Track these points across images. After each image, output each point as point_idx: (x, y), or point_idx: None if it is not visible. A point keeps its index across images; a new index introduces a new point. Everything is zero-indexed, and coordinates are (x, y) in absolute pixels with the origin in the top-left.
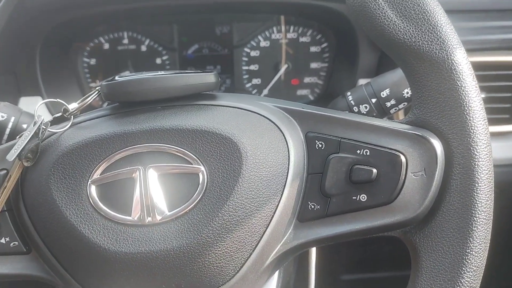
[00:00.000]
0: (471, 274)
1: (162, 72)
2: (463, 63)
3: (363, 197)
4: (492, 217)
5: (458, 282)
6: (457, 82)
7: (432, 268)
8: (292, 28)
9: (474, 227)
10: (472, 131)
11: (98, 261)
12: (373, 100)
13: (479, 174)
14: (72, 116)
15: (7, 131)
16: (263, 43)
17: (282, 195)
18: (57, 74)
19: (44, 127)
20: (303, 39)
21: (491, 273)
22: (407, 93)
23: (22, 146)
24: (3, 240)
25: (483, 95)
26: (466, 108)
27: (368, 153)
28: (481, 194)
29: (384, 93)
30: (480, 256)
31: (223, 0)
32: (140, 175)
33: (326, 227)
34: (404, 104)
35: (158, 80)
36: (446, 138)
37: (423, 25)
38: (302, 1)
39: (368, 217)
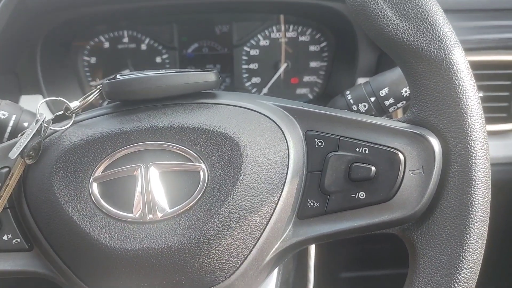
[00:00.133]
0: (467, 270)
1: (163, 71)
2: (461, 62)
3: (362, 195)
4: (489, 215)
5: (455, 278)
6: (455, 81)
7: (429, 264)
8: (291, 27)
9: (471, 224)
10: (469, 129)
11: (99, 258)
12: (372, 99)
13: (476, 172)
14: (73, 114)
15: (9, 129)
16: (263, 42)
17: (281, 192)
18: (58, 73)
19: (46, 125)
20: (302, 38)
21: (488, 270)
22: (406, 92)
23: (24, 144)
24: (5, 237)
25: (481, 94)
26: (463, 106)
27: (367, 151)
28: (478, 192)
29: (383, 92)
30: (477, 253)
31: (223, 0)
32: (141, 172)
33: (325, 224)
34: (402, 103)
35: (159, 78)
36: (444, 137)
37: (422, 25)
38: (301, 0)
39: (367, 214)
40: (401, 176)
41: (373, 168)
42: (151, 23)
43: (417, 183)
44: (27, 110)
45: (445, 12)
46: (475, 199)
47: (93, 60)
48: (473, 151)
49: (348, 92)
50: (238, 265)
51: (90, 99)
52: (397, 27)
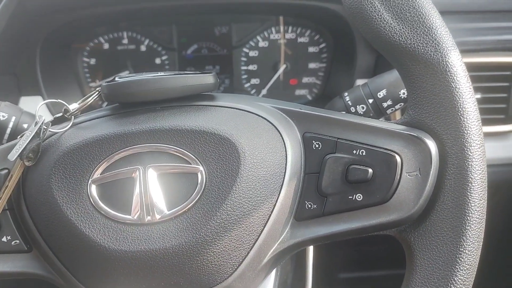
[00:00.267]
0: (464, 272)
1: (162, 73)
2: (458, 65)
3: (359, 197)
4: (485, 217)
5: (451, 280)
6: (452, 83)
7: (426, 266)
8: (290, 28)
9: (468, 226)
10: (466, 132)
11: (98, 260)
12: (370, 101)
13: (472, 174)
14: (72, 117)
15: (8, 130)
16: (262, 44)
17: (279, 194)
18: (57, 74)
19: (45, 127)
20: (301, 40)
21: (484, 270)
22: (404, 93)
23: (24, 146)
24: (4, 239)
25: (478, 96)
26: (460, 109)
27: (364, 153)
28: (475, 194)
29: (381, 94)
30: (473, 254)
31: (222, 1)
32: (139, 174)
33: (323, 226)
34: (400, 105)
35: (158, 81)
36: (441, 139)
37: (418, 28)
38: (300, 2)
39: (364, 216)
40: (398, 178)
41: (370, 170)
42: (151, 24)
43: (413, 185)
44: (27, 112)
45: (443, 13)
46: (471, 201)
47: (92, 61)
48: (469, 153)
49: (346, 94)
50: (235, 267)
51: (89, 101)
52: (394, 30)
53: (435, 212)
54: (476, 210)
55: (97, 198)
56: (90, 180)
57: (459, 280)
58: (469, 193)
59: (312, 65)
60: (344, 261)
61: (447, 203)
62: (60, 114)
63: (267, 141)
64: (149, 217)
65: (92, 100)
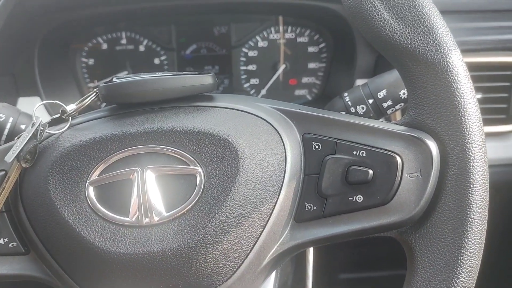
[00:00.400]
0: (466, 274)
1: (160, 74)
2: (459, 65)
3: (359, 198)
4: (487, 218)
5: (453, 282)
6: (453, 84)
7: (427, 268)
8: (290, 28)
9: (469, 227)
10: (467, 132)
11: (96, 262)
12: (370, 101)
13: (474, 175)
14: (70, 118)
15: (6, 131)
16: (261, 44)
17: (279, 196)
18: (56, 74)
19: (42, 129)
20: (301, 40)
21: (486, 271)
22: (404, 94)
23: (21, 148)
24: (1, 241)
25: (479, 96)
26: (461, 109)
27: (364, 154)
28: (476, 195)
29: (381, 94)
30: (475, 256)
31: (221, 1)
32: (137, 176)
33: (323, 227)
34: (401, 105)
35: (156, 81)
36: (442, 140)
37: (419, 27)
38: (299, 1)
39: (364, 217)
40: (399, 179)
41: (371, 171)
42: (149, 25)
43: (414, 186)
44: (24, 113)
45: (443, 13)
46: (473, 202)
47: (91, 61)
48: (470, 154)
49: (346, 94)
50: (235, 269)
51: (87, 102)
52: (394, 30)
53: (436, 214)
54: (477, 212)
55: (94, 200)
56: (87, 181)
57: (461, 282)
58: (470, 194)
59: (311, 65)
60: (344, 262)
61: (449, 204)
62: (57, 115)
63: (266, 142)
64: (147, 219)
65: (89, 101)
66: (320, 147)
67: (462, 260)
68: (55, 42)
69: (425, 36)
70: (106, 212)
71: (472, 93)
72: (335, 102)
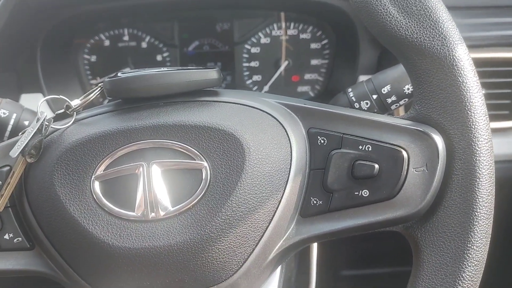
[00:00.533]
0: (472, 268)
1: (165, 69)
2: (465, 59)
3: (365, 193)
4: (493, 212)
5: (459, 276)
6: (459, 78)
7: (433, 262)
8: (292, 24)
9: (476, 222)
10: (473, 126)
11: (101, 257)
12: (374, 96)
13: (480, 169)
14: (74, 113)
15: (9, 127)
16: (264, 40)
17: (284, 190)
18: (58, 71)
19: (47, 124)
20: (303, 36)
21: (492, 266)
22: (408, 89)
23: (26, 143)
24: (6, 236)
25: (483, 91)
26: (467, 103)
27: (370, 149)
28: (482, 189)
29: (385, 89)
30: (481, 250)
31: None
32: (143, 171)
33: (328, 222)
34: (405, 100)
35: (161, 76)
36: (448, 134)
37: (425, 21)
38: None
39: (370, 212)
40: (405, 173)
41: (377, 166)
42: (152, 21)
43: (420, 181)
44: (28, 109)
45: (447, 9)
46: (479, 197)
47: (93, 58)
48: (477, 148)
49: (350, 89)
50: (241, 264)
51: (91, 97)
52: (400, 24)
53: (443, 208)
54: (484, 206)
55: (100, 195)
56: (93, 176)
57: (467, 276)
58: (477, 189)
59: (314, 62)
60: (348, 257)
61: (455, 198)
62: (62, 110)
63: (272, 137)
64: (153, 214)
65: (94, 96)
66: (326, 141)
67: (468, 254)
68: (58, 38)
69: (431, 30)
70: (112, 206)
71: (478, 87)
72: (339, 98)
